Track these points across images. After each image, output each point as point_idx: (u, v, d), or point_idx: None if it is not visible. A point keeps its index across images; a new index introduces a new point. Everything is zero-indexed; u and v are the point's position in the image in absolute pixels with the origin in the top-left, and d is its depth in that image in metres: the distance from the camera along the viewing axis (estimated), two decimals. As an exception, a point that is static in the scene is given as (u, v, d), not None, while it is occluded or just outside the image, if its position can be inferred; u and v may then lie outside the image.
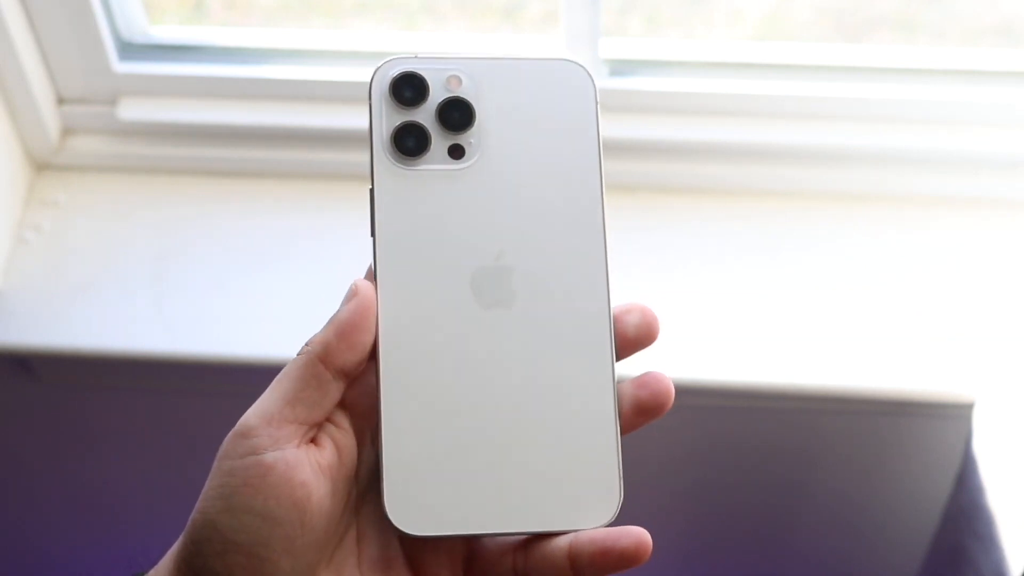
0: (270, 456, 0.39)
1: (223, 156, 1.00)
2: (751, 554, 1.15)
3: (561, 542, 0.41)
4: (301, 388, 0.40)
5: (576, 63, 0.45)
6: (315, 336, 0.41)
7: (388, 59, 0.43)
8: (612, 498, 0.42)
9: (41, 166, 1.01)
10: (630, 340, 0.43)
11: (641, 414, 0.42)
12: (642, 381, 0.42)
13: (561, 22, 0.93)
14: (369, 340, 0.41)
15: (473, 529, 0.41)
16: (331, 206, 0.98)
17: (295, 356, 0.41)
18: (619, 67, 0.96)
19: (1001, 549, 0.83)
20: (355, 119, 0.97)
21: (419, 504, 0.41)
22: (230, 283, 0.95)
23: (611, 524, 0.41)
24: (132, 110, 0.98)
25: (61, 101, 0.99)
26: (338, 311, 0.41)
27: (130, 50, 0.98)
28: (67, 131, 1.01)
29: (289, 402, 0.40)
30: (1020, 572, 0.80)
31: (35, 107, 0.97)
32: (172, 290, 0.95)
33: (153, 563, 0.42)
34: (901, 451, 1.00)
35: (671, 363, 0.90)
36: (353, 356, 0.40)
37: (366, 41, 1.00)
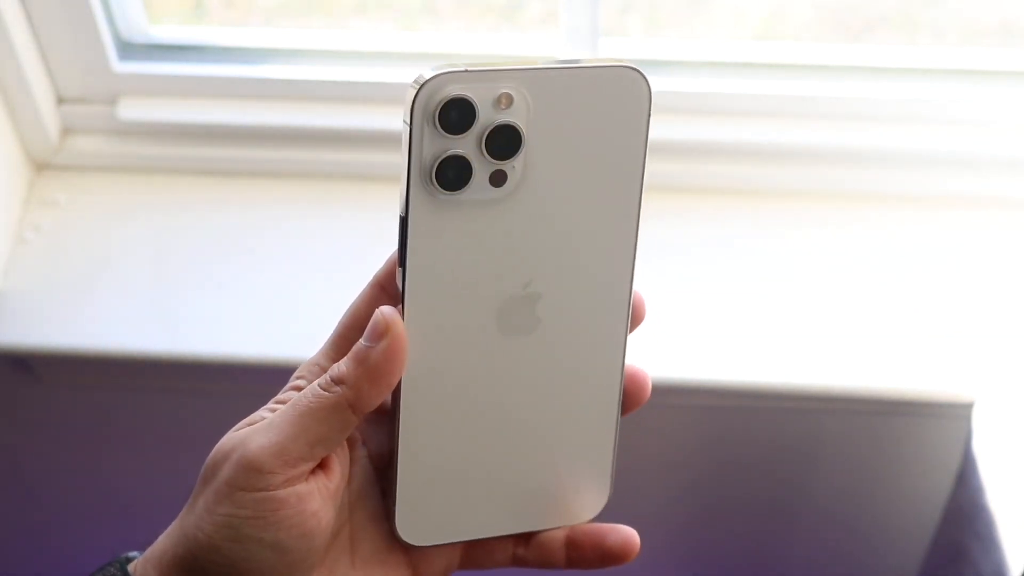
0: (283, 492, 0.38)
1: (223, 156, 1.00)
2: (751, 554, 1.15)
3: (559, 532, 0.43)
4: (326, 430, 0.39)
5: (636, 70, 0.40)
6: (342, 373, 0.39)
7: (436, 73, 0.38)
8: (603, 495, 0.44)
9: (41, 166, 1.01)
10: None
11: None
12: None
13: (561, 22, 0.93)
14: (396, 381, 0.40)
15: (473, 534, 0.42)
16: (332, 206, 0.98)
17: (319, 391, 0.39)
18: (619, 67, 0.96)
19: (1001, 549, 0.83)
20: (355, 119, 0.97)
21: (426, 520, 0.42)
22: (230, 283, 0.95)
23: (598, 517, 0.43)
24: (132, 110, 0.98)
25: (61, 101, 0.99)
26: (369, 350, 0.39)
27: (130, 50, 0.98)
28: (67, 131, 1.01)
29: (310, 443, 0.39)
30: (1020, 572, 0.80)
31: (35, 107, 0.97)
32: (172, 290, 0.95)
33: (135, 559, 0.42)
34: (901, 451, 1.00)
35: (671, 363, 0.90)
36: (380, 398, 0.40)
37: (366, 41, 1.00)
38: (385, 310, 0.39)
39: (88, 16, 0.93)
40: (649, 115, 0.40)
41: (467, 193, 0.39)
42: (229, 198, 0.99)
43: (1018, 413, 0.86)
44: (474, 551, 0.44)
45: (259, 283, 0.95)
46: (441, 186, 0.39)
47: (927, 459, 1.00)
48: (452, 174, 0.39)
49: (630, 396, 0.43)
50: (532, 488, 0.42)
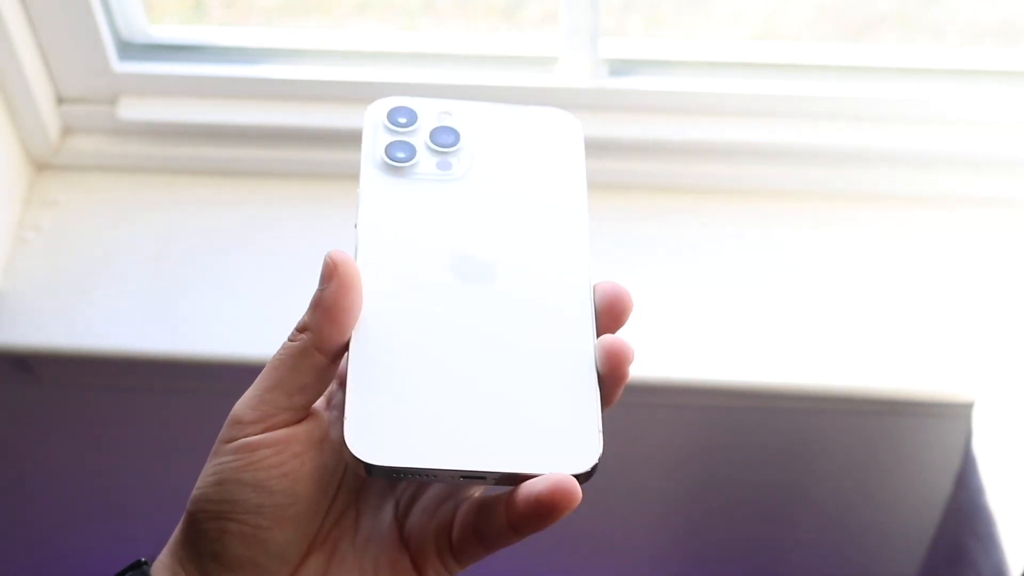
0: (260, 436, 0.39)
1: (223, 156, 1.00)
2: (751, 554, 1.15)
3: (502, 493, 0.39)
4: (298, 377, 0.40)
5: (564, 112, 0.47)
6: (304, 321, 0.40)
7: (382, 99, 0.46)
8: (589, 447, 0.39)
9: (41, 166, 1.01)
10: (601, 318, 0.42)
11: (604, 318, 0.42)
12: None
13: (561, 22, 0.93)
14: (356, 316, 0.41)
15: (436, 463, 0.39)
16: (331, 206, 0.98)
17: (286, 342, 0.41)
18: (619, 67, 0.96)
19: (1001, 549, 0.83)
20: (356, 119, 0.97)
21: (380, 435, 0.39)
22: (230, 283, 0.95)
23: (589, 473, 0.39)
24: (132, 110, 0.98)
25: (61, 101, 0.99)
26: (321, 291, 0.40)
27: (130, 50, 0.98)
28: (67, 131, 1.01)
29: (287, 392, 0.40)
30: (1020, 572, 0.80)
31: (35, 107, 0.97)
32: (172, 290, 0.95)
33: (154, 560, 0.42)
34: (901, 451, 1.00)
35: (670, 363, 0.90)
36: (344, 337, 0.40)
37: (366, 41, 1.00)
38: (332, 252, 0.41)
39: (88, 16, 0.93)
40: (582, 144, 0.47)
41: (415, 170, 0.45)
42: (229, 198, 1.00)
43: (1018, 413, 0.86)
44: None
45: (259, 283, 0.95)
46: (391, 161, 0.45)
47: (927, 459, 1.00)
48: (401, 153, 0.45)
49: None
50: (500, 424, 0.40)
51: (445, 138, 0.45)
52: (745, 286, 0.94)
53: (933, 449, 0.98)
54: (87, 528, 1.16)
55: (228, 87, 0.98)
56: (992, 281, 0.93)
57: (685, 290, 0.93)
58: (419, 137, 0.45)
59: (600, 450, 0.39)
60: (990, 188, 0.96)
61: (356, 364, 0.40)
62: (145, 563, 0.41)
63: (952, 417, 0.93)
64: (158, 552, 0.42)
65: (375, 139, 0.45)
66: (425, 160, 0.45)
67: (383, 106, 0.46)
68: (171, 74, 0.98)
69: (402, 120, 0.45)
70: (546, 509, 0.37)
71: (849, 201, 0.97)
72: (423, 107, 0.46)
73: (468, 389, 0.40)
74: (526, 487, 0.38)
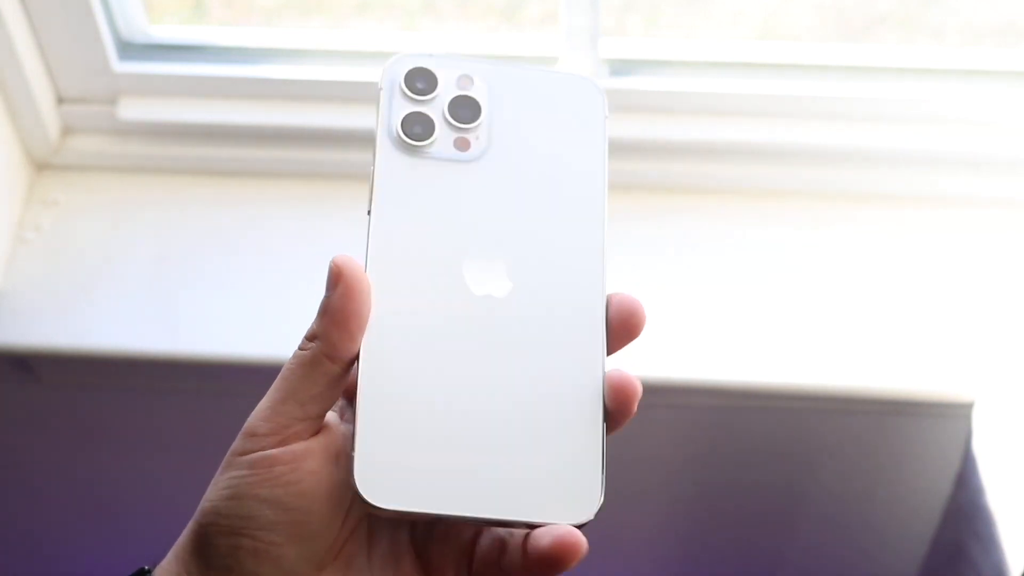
0: (277, 450, 0.39)
1: (223, 156, 1.00)
2: (751, 554, 1.15)
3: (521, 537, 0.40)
4: (310, 386, 0.40)
5: (588, 79, 0.45)
6: (313, 329, 0.40)
7: (402, 54, 0.44)
8: (591, 496, 0.40)
9: (41, 166, 1.01)
10: (613, 331, 0.42)
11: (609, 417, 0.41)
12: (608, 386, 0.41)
13: (561, 22, 0.93)
14: (364, 321, 0.40)
15: (443, 509, 0.39)
16: (332, 206, 0.98)
17: (297, 351, 0.40)
18: (619, 67, 0.96)
19: (1001, 549, 0.83)
20: (356, 119, 0.97)
21: (388, 477, 0.39)
22: (230, 283, 0.95)
23: (588, 523, 0.40)
24: (132, 110, 0.98)
25: (61, 101, 0.99)
26: (328, 298, 0.40)
27: (130, 50, 0.98)
28: (67, 131, 1.01)
29: (300, 402, 0.40)
30: (1020, 572, 0.80)
31: (35, 107, 0.97)
32: (172, 290, 0.95)
33: (155, 562, 0.42)
34: (901, 451, 1.00)
35: (671, 363, 0.90)
36: (354, 342, 0.40)
37: (366, 41, 1.00)
38: (337, 257, 0.40)
39: (88, 16, 0.93)
40: (606, 116, 0.45)
41: (432, 149, 0.43)
42: (229, 198, 0.99)
43: (1018, 413, 0.86)
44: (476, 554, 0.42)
45: (259, 283, 0.95)
46: (407, 138, 0.43)
47: (927, 459, 1.00)
48: (418, 128, 0.43)
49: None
50: (506, 470, 0.40)
51: (464, 112, 0.44)
52: (745, 286, 0.93)
53: (933, 449, 0.98)
54: (87, 528, 1.16)
55: (228, 87, 0.98)
56: (992, 281, 0.93)
57: (685, 290, 0.93)
58: (437, 108, 0.44)
59: (601, 499, 0.40)
60: (990, 188, 0.96)
61: (363, 399, 0.40)
62: (148, 572, 0.41)
63: (952, 417, 0.93)
64: (157, 553, 0.42)
65: (391, 106, 0.43)
66: (443, 138, 0.43)
67: (401, 67, 0.44)
68: (171, 74, 0.98)
69: (420, 86, 0.44)
70: (553, 561, 0.38)
71: (849, 201, 0.97)
72: (443, 70, 0.44)
73: (475, 430, 0.40)
74: (534, 539, 0.39)
